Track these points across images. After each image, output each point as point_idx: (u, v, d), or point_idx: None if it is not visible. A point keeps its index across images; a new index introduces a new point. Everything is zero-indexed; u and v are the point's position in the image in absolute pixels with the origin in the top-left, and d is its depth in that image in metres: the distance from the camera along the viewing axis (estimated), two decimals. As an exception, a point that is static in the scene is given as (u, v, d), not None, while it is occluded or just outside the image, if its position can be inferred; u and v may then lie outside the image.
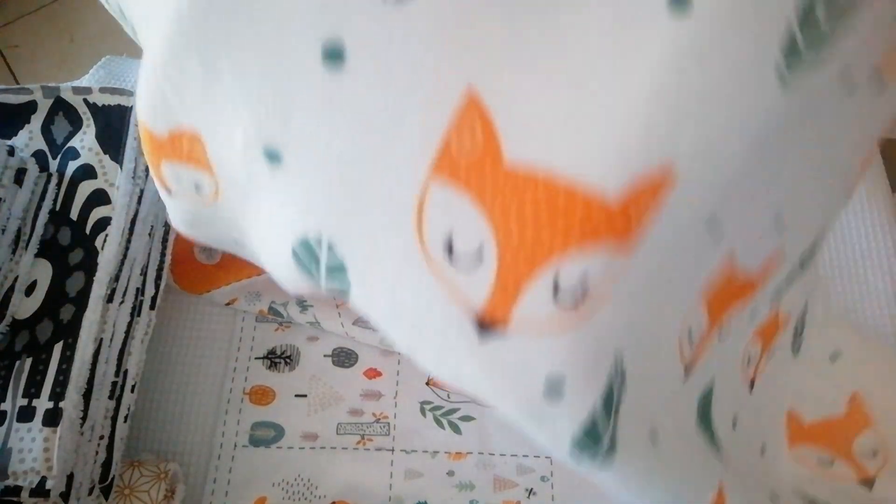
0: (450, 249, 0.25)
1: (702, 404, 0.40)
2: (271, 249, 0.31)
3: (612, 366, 0.29)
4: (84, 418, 0.39)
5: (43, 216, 0.41)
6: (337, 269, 0.28)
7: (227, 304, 0.54)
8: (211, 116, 0.27)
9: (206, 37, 0.24)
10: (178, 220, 0.36)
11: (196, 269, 0.53)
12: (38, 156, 0.43)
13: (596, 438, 0.29)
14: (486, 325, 0.26)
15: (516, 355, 0.26)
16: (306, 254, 0.28)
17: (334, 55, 0.23)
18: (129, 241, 0.44)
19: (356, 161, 0.24)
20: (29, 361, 0.38)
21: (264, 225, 0.30)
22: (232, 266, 0.52)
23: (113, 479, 0.43)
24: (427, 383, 0.53)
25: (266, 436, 0.51)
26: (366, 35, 0.22)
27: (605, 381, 0.29)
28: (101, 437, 0.43)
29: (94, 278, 0.40)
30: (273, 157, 0.26)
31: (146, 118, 0.29)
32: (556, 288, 0.24)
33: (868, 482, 0.46)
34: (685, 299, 0.33)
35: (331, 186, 0.25)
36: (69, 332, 0.39)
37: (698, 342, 0.38)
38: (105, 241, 0.41)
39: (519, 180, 0.23)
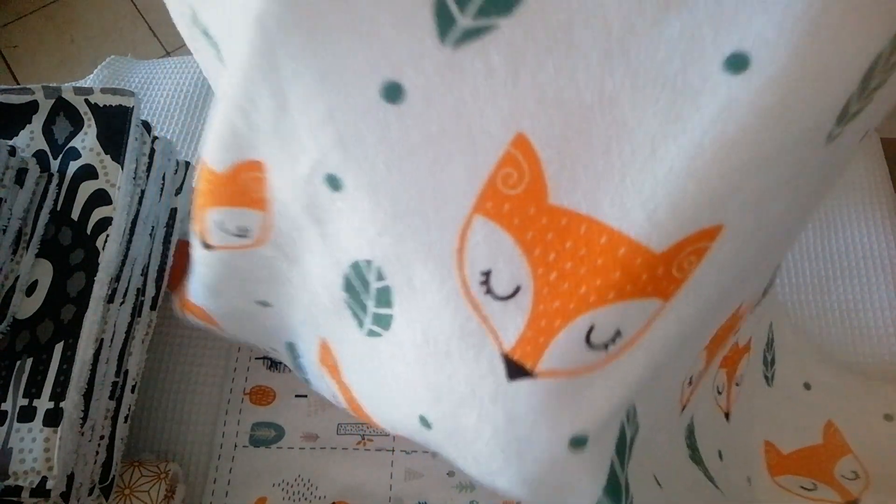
0: (487, 287, 0.26)
1: (688, 438, 0.41)
2: (322, 279, 0.32)
3: (626, 414, 0.29)
4: (84, 418, 0.39)
5: (44, 216, 0.41)
6: (384, 293, 0.29)
7: None
8: (278, 146, 0.27)
9: (278, 70, 0.25)
10: (204, 282, 0.36)
11: None
12: (40, 156, 0.43)
13: (617, 491, 0.29)
14: (515, 365, 0.26)
15: (542, 401, 0.26)
16: (357, 278, 0.29)
17: (393, 94, 0.25)
18: (129, 241, 0.44)
19: (406, 192, 0.26)
20: (30, 361, 0.38)
21: (317, 256, 0.31)
22: None
23: (113, 479, 0.43)
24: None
25: (266, 436, 0.51)
26: (422, 77, 0.24)
27: (619, 427, 0.29)
28: (102, 438, 0.43)
29: (95, 279, 0.40)
30: (334, 183, 0.27)
31: (211, 155, 0.29)
32: (588, 337, 0.25)
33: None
34: (699, 347, 0.34)
35: (383, 214, 0.27)
36: (70, 333, 0.39)
37: (696, 383, 0.38)
38: (106, 241, 0.41)
39: (561, 226, 0.24)
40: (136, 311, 0.46)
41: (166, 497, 0.45)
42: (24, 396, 0.37)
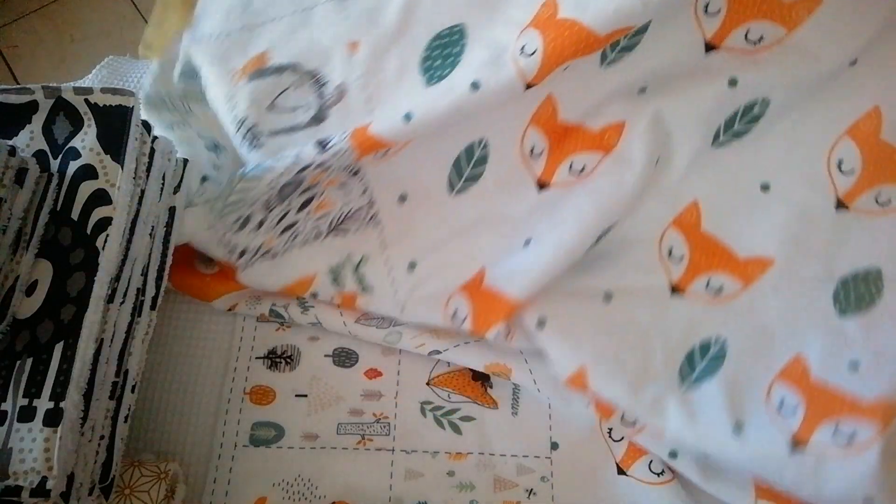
0: None
1: None
2: None
3: None
4: (84, 418, 0.39)
5: (44, 216, 0.41)
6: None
7: (229, 309, 0.54)
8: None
9: None
10: None
11: (196, 279, 0.53)
12: (39, 156, 0.43)
13: None
14: None
15: None
16: None
17: None
18: (129, 241, 0.44)
19: None
20: (30, 361, 0.38)
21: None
22: (231, 276, 0.52)
23: (113, 479, 0.43)
24: (427, 383, 0.53)
25: (266, 436, 0.51)
26: None
27: None
28: (102, 437, 0.43)
29: (95, 278, 0.40)
30: None
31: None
32: None
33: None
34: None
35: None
36: (70, 333, 0.39)
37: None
38: (106, 241, 0.41)
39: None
40: (136, 311, 0.46)
41: (166, 497, 0.45)
42: (24, 396, 0.37)
